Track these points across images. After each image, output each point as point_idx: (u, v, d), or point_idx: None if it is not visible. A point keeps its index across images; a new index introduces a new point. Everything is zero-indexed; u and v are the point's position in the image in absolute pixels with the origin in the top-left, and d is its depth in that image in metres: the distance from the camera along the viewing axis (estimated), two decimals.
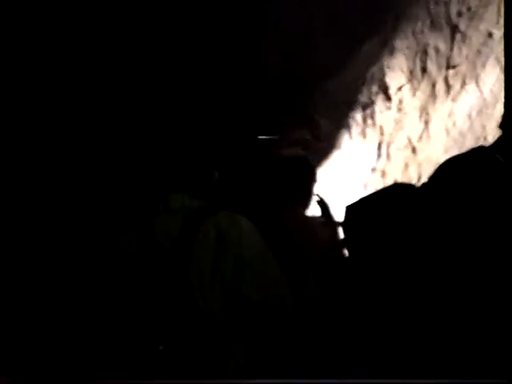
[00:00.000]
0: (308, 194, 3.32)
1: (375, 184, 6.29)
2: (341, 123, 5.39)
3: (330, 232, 3.25)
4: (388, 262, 2.28)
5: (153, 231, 2.31)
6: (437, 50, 5.52)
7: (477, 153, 2.16)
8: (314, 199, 3.36)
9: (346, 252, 2.71)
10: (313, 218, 3.34)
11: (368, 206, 2.44)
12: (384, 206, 2.42)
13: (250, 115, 4.79)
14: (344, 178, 5.13)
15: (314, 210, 3.39)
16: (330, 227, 3.30)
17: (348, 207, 2.48)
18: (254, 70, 4.91)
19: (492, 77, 6.33)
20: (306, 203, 3.29)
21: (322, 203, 3.37)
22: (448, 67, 5.75)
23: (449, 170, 2.20)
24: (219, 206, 2.38)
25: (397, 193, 2.43)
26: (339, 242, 3.19)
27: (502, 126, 2.16)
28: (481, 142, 7.04)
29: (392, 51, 5.29)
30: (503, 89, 2.11)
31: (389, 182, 6.35)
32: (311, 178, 3.33)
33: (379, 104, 5.51)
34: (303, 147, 5.07)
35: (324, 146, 5.25)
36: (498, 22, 5.67)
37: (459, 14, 5.38)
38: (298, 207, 3.28)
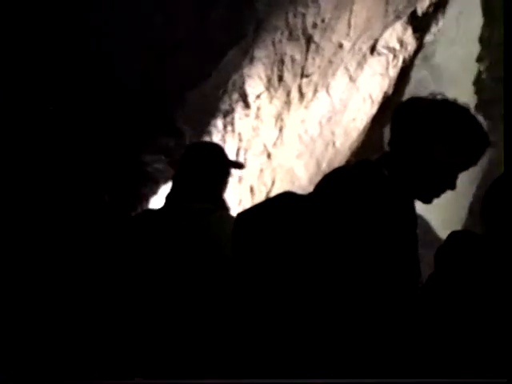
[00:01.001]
0: None
1: (232, 190, 6.39)
2: (203, 131, 5.43)
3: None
4: (277, 268, 2.32)
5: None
6: (293, 60, 5.71)
7: (362, 166, 2.21)
8: None
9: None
10: None
11: (258, 213, 2.49)
12: (273, 214, 2.47)
13: (113, 126, 4.77)
14: None
15: None
16: None
17: (239, 215, 2.52)
18: (112, 81, 4.87)
19: (341, 85, 6.64)
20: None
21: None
22: (302, 76, 5.97)
23: (334, 181, 2.25)
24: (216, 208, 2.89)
25: (285, 201, 2.49)
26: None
27: (390, 143, 2.24)
28: (330, 148, 7.37)
29: (252, 60, 5.39)
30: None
31: (245, 187, 6.48)
32: None
33: (239, 111, 5.61)
34: (166, 155, 5.09)
35: None
36: (348, 34, 5.96)
37: (314, 26, 5.59)
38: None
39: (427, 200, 2.20)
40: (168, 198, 3.08)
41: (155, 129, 4.93)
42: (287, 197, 2.42)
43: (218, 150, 3.10)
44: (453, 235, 1.97)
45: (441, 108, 2.17)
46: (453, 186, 2.18)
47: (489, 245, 1.88)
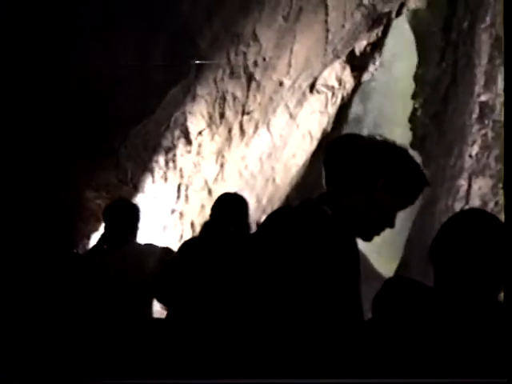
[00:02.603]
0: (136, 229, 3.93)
1: (174, 225, 6.39)
2: (145, 167, 5.44)
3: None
4: (223, 303, 2.33)
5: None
6: (234, 97, 5.78)
7: (305, 205, 2.25)
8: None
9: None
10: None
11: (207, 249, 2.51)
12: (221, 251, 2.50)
13: (56, 161, 4.75)
14: (145, 221, 5.21)
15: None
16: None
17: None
18: (56, 117, 4.84)
19: (281, 122, 6.73)
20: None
21: None
22: (243, 113, 6.04)
23: (278, 221, 2.28)
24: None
25: (230, 239, 2.52)
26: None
27: (327, 180, 2.26)
28: (270, 184, 7.43)
29: (194, 97, 5.43)
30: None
31: (186, 222, 6.48)
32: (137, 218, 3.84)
33: (180, 148, 5.64)
34: (107, 191, 5.09)
35: (129, 189, 5.28)
36: (288, 72, 6.06)
37: (255, 64, 5.67)
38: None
39: (368, 238, 2.25)
40: (208, 226, 3.58)
41: (97, 165, 4.92)
42: (230, 234, 2.45)
43: (243, 200, 3.66)
44: (388, 282, 2.01)
45: (381, 149, 2.22)
46: (392, 225, 2.24)
47: (425, 292, 1.93)
